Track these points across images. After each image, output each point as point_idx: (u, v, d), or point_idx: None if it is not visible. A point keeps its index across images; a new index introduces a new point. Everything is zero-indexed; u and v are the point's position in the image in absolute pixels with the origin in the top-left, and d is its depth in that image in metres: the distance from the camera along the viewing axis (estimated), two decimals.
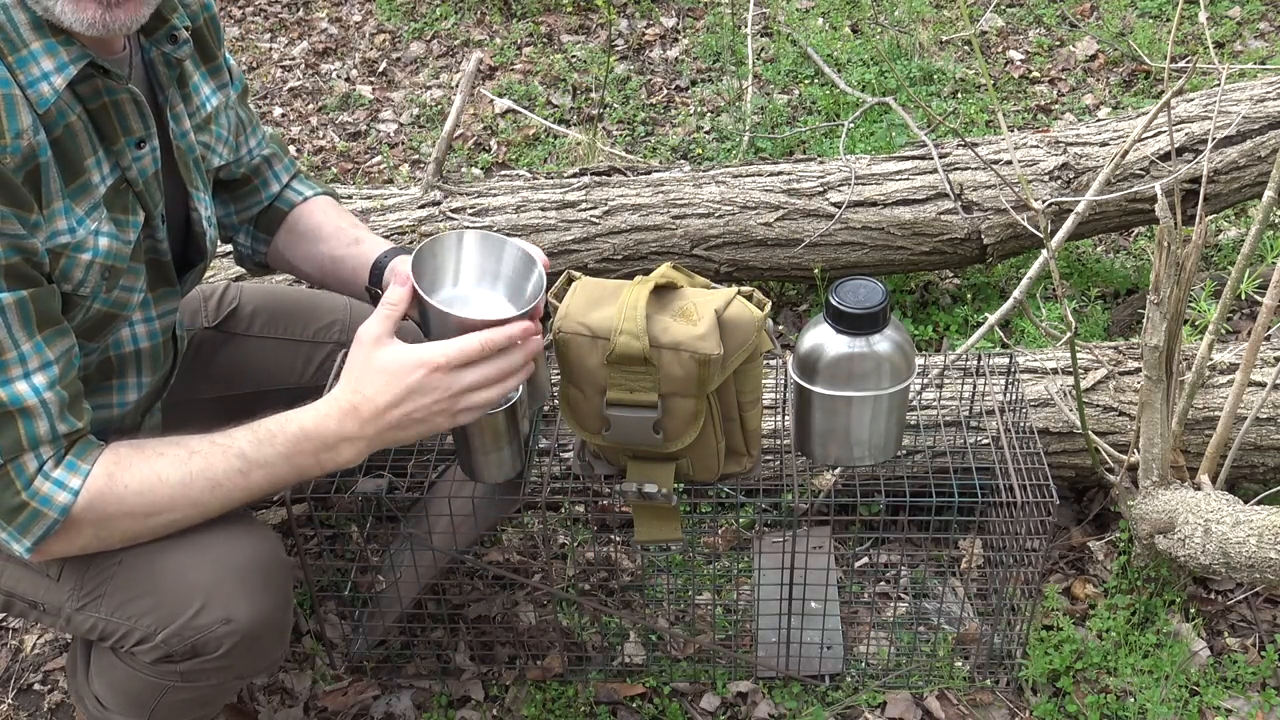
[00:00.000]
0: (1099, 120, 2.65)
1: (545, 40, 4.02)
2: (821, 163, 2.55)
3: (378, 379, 1.27)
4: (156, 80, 1.37)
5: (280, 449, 1.27)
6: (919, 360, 1.78)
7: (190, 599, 1.29)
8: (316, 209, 1.65)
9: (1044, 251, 1.84)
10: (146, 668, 1.35)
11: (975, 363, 1.79)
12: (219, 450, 1.26)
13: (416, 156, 3.44)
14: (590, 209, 2.45)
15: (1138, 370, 1.97)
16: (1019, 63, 3.64)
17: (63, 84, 1.18)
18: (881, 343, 1.44)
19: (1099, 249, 2.78)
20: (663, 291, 1.43)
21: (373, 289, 1.53)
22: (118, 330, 1.38)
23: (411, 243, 2.35)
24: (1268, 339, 1.99)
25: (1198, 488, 1.72)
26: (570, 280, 1.50)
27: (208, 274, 2.33)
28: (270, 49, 4.14)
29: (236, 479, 1.26)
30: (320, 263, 1.62)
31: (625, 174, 2.57)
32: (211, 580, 1.29)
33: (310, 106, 3.77)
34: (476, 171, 3.33)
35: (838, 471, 1.90)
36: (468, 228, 1.43)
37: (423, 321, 1.36)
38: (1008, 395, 1.76)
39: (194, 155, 1.44)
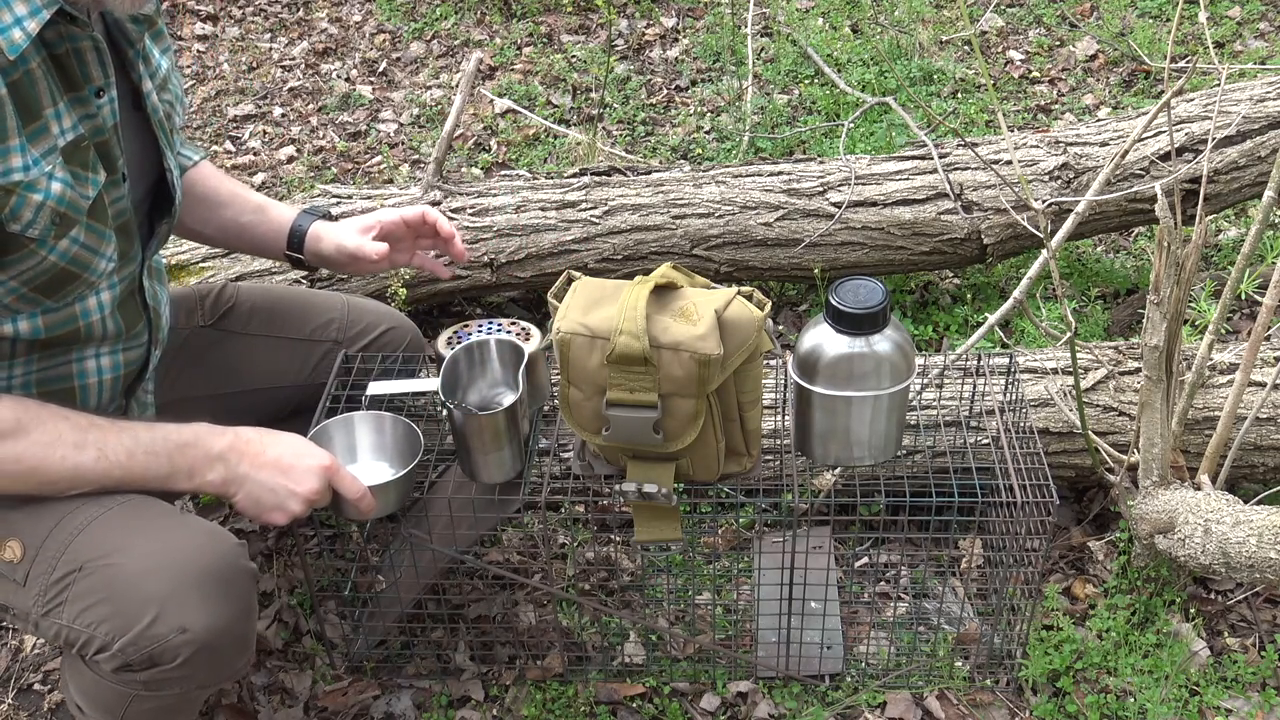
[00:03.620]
0: (1099, 120, 2.65)
1: (545, 40, 4.02)
2: (821, 163, 2.55)
3: (286, 445, 1.42)
4: (124, 36, 1.38)
5: (170, 446, 1.36)
6: (919, 360, 1.78)
7: (145, 608, 1.27)
8: (209, 174, 1.71)
9: (1044, 251, 1.84)
10: (110, 676, 1.33)
11: (975, 363, 1.79)
12: (116, 429, 1.34)
13: (416, 156, 3.44)
14: (590, 209, 2.45)
15: (1138, 370, 1.97)
16: (1019, 63, 3.63)
17: (36, 28, 1.19)
18: (881, 343, 1.44)
19: (1099, 249, 2.78)
20: (663, 291, 1.43)
21: (292, 254, 1.69)
22: (85, 297, 1.37)
23: None
24: (1268, 339, 1.99)
25: (1198, 488, 1.72)
26: (570, 280, 1.50)
27: (207, 273, 2.33)
28: (270, 49, 4.14)
29: (122, 458, 1.33)
30: (223, 226, 1.71)
31: (625, 174, 2.57)
32: (167, 589, 1.28)
33: (310, 106, 3.77)
34: (476, 171, 3.33)
35: (838, 471, 1.90)
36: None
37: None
38: (1008, 395, 1.76)
39: (159, 115, 1.45)
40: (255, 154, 3.53)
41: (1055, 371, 1.98)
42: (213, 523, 1.41)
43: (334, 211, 1.74)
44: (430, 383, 1.58)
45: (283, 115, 3.74)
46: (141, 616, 1.27)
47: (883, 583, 1.96)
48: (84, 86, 1.28)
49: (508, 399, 1.53)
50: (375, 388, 1.63)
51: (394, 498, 1.51)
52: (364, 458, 1.59)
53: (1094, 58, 3.60)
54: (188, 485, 1.38)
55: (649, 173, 2.59)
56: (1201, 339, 1.81)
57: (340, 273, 1.69)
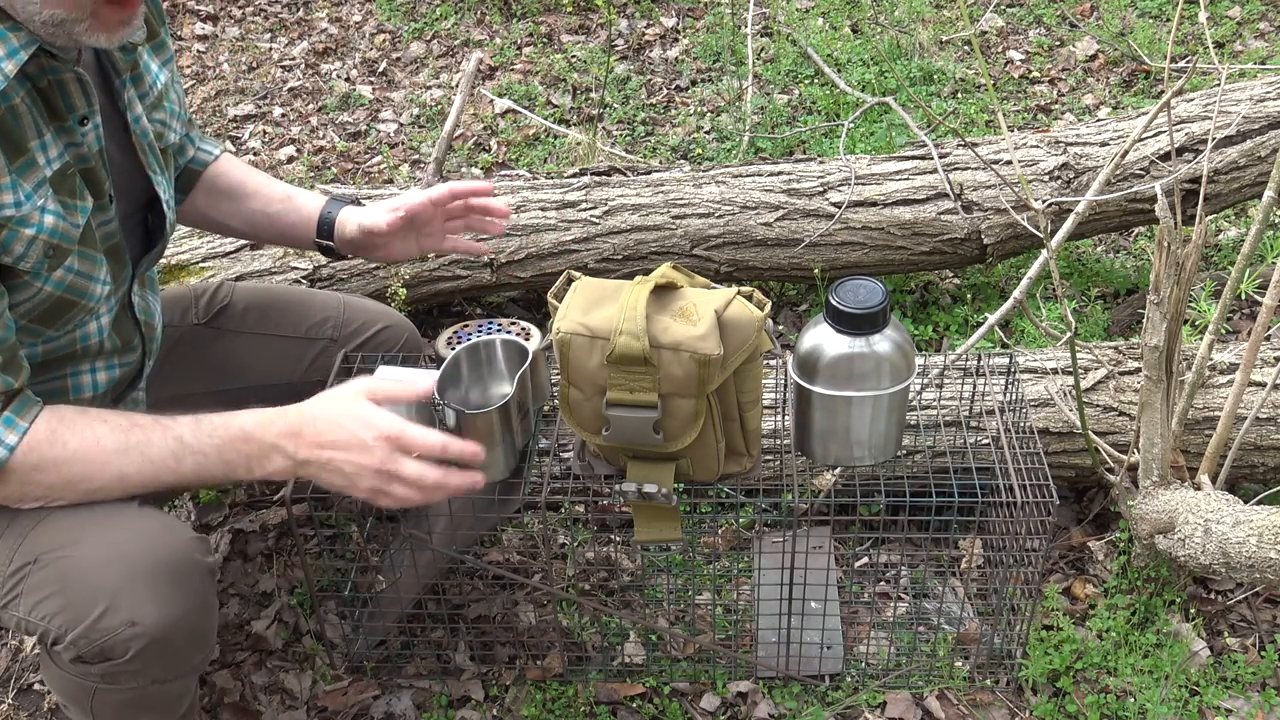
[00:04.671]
0: (1099, 120, 2.65)
1: (545, 40, 4.02)
2: (821, 163, 2.55)
3: (337, 419, 1.32)
4: (111, 63, 1.38)
5: (217, 441, 1.31)
6: (919, 360, 1.78)
7: (95, 601, 1.26)
8: (231, 167, 1.71)
9: (1044, 251, 1.84)
10: (68, 667, 1.32)
11: (975, 363, 1.79)
12: (160, 428, 1.30)
13: (416, 156, 3.44)
14: (590, 209, 2.45)
15: (1138, 370, 1.97)
16: (1019, 63, 3.63)
17: (14, 70, 1.20)
18: (881, 343, 1.44)
19: (1099, 249, 2.78)
20: (663, 291, 1.43)
21: (322, 241, 1.66)
22: (85, 323, 1.38)
23: None
24: (1268, 339, 1.99)
25: (1198, 488, 1.72)
26: (570, 280, 1.50)
27: (207, 273, 2.33)
28: (270, 49, 4.14)
29: (169, 460, 1.30)
30: (250, 218, 1.70)
31: (625, 174, 2.57)
32: (118, 581, 1.27)
33: (310, 106, 3.77)
34: (476, 171, 3.33)
35: (838, 471, 1.90)
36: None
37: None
38: (1008, 395, 1.76)
39: (148, 139, 1.44)
40: (255, 154, 3.53)
41: (1055, 371, 1.98)
42: (169, 515, 1.40)
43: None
44: (431, 375, 1.58)
45: (283, 115, 3.74)
46: (92, 609, 1.26)
47: (883, 583, 1.96)
48: (68, 116, 1.28)
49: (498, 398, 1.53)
50: (383, 371, 1.64)
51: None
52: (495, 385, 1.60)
53: (1094, 58, 3.60)
54: (248, 477, 1.36)
55: (649, 173, 2.59)
56: (1201, 339, 1.81)
57: (367, 256, 1.66)
